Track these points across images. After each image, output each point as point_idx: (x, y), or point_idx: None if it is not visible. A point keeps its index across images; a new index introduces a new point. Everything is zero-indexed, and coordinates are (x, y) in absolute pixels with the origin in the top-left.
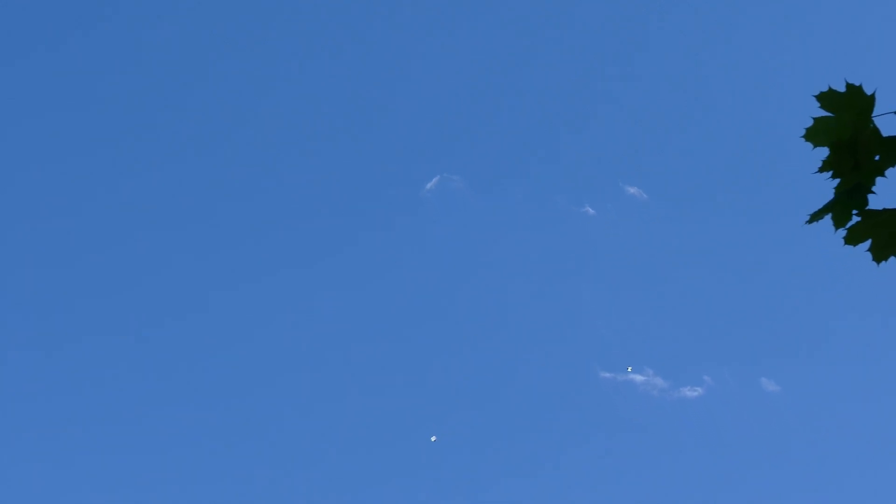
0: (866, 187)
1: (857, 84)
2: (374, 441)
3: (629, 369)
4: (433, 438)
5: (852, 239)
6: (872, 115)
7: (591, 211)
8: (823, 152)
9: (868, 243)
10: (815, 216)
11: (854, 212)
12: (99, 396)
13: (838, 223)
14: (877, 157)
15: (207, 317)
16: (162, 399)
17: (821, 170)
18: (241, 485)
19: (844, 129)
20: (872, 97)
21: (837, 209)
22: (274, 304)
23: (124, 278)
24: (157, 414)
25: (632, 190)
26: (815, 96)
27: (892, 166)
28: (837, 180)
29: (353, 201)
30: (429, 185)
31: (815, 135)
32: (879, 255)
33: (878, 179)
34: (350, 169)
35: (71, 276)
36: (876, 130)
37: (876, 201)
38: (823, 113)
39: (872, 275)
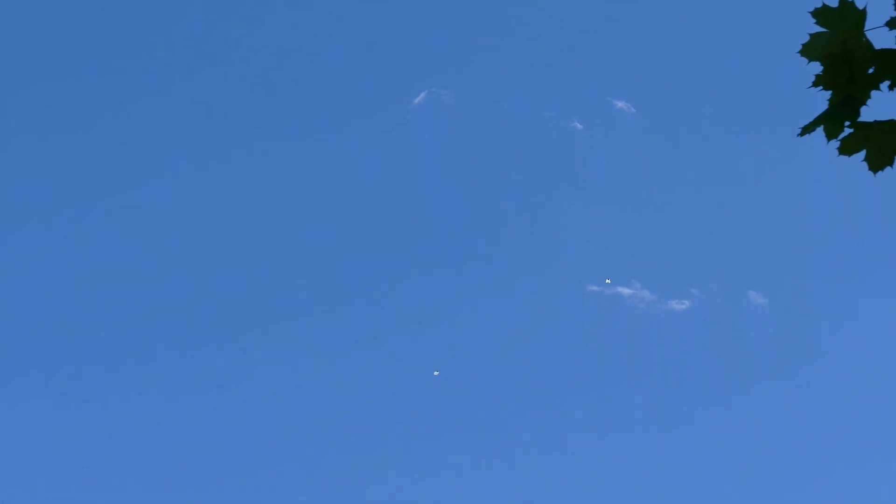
0: (860, 100)
1: None
2: (362, 358)
3: (607, 281)
4: (436, 373)
5: (846, 149)
6: (865, 28)
7: (578, 126)
8: (818, 68)
9: (862, 154)
10: (808, 128)
11: (847, 123)
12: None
13: (831, 135)
14: (870, 70)
15: (207, 229)
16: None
17: (814, 84)
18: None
19: (837, 43)
20: (864, 11)
21: (830, 121)
22: (257, 218)
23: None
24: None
25: (620, 104)
26: (810, 12)
27: (886, 79)
28: (830, 93)
29: (340, 115)
30: (416, 100)
31: (810, 50)
32: (876, 164)
33: (872, 93)
34: (336, 83)
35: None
36: (869, 44)
37: (869, 114)
38: (819, 29)
39: (863, 188)
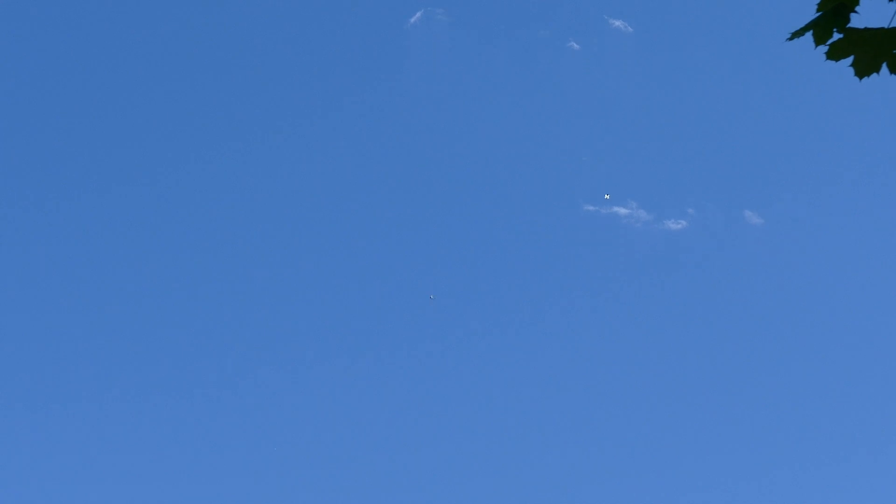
0: (849, 7)
1: None
2: (368, 293)
3: (607, 197)
4: (431, 297)
5: (834, 54)
6: None
7: (575, 46)
8: None
9: (849, 61)
10: (797, 33)
11: (835, 29)
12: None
13: (819, 40)
14: None
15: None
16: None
17: None
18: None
19: None
20: None
21: (819, 27)
22: (259, 151)
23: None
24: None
25: (617, 23)
26: None
27: None
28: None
29: (338, 35)
30: (412, 20)
31: None
32: (862, 70)
33: (862, 1)
34: (334, 3)
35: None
36: None
37: (858, 21)
38: None
39: (858, 109)
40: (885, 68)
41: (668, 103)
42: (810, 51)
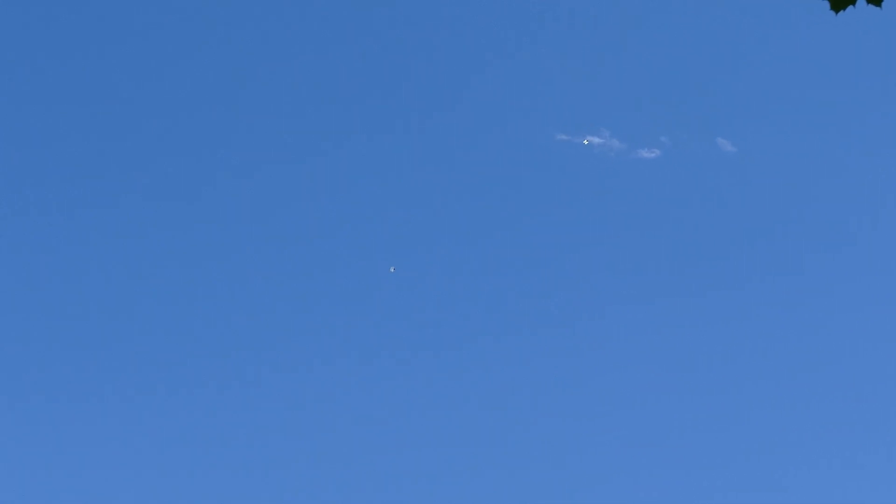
0: None
1: None
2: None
3: (585, 142)
4: (392, 269)
5: None
6: None
7: None
8: None
9: None
10: None
11: None
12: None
13: None
14: None
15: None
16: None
17: None
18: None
19: None
20: None
21: None
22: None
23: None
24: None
25: None
26: None
27: None
28: None
29: None
30: None
31: None
32: (837, 4)
33: None
34: None
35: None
36: None
37: None
38: None
39: (832, 36)
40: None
41: (638, 30)
42: None
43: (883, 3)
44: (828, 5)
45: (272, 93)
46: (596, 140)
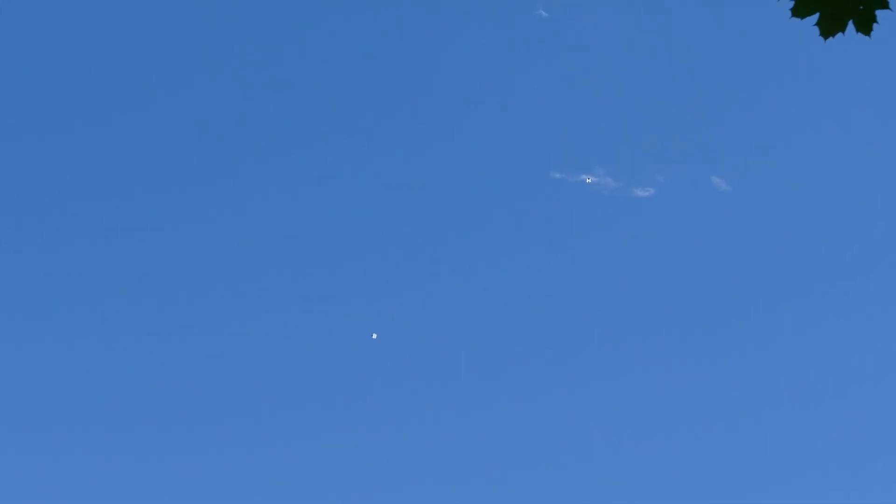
0: None
1: None
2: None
3: (588, 180)
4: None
5: (799, 11)
6: None
7: (543, 13)
8: None
9: (816, 18)
10: None
11: None
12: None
13: None
14: None
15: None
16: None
17: None
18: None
19: None
20: None
21: None
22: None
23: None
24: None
25: None
26: None
27: None
28: None
29: None
30: None
31: None
32: (827, 30)
33: None
34: None
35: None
36: None
37: None
38: None
39: (828, 70)
40: (851, 27)
41: (634, 67)
42: (776, 7)
43: (872, 34)
44: (817, 32)
45: (262, 122)
46: (590, 179)
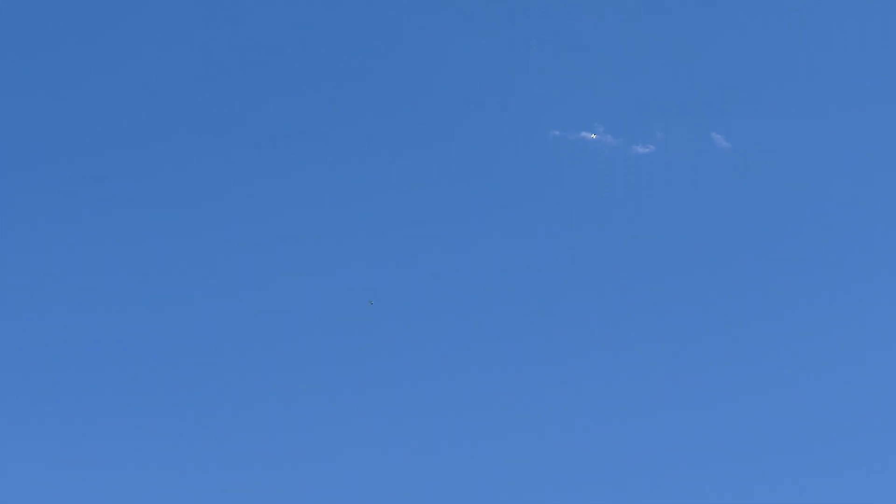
0: None
1: None
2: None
3: (592, 136)
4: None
5: None
6: None
7: None
8: None
9: None
10: None
11: None
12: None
13: None
14: None
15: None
16: None
17: None
18: None
19: None
20: None
21: None
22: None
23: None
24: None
25: None
26: None
27: None
28: None
29: None
30: None
31: None
32: None
33: None
34: None
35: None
36: None
37: None
38: None
39: (825, 24)
40: None
41: (635, 26)
42: None
43: None
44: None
45: (271, 91)
46: (590, 136)
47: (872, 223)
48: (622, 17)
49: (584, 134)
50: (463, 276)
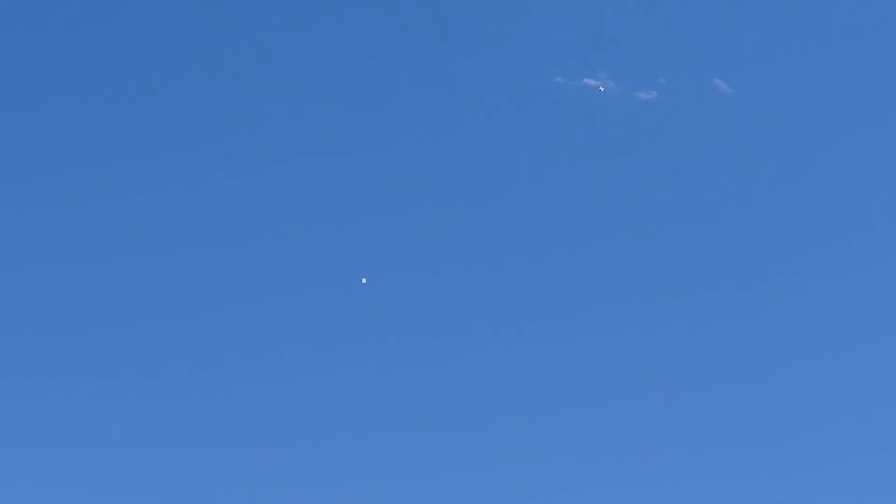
0: None
1: None
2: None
3: (601, 89)
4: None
5: None
6: None
7: None
8: None
9: None
10: None
11: None
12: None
13: None
14: None
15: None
16: None
17: None
18: None
19: None
20: None
21: None
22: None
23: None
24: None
25: None
26: None
27: None
28: None
29: None
30: None
31: None
32: None
33: None
34: None
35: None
36: None
37: None
38: None
39: None
40: None
41: None
42: None
43: None
44: None
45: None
46: (592, 82)
47: (876, 170)
48: None
49: (586, 80)
50: (464, 219)
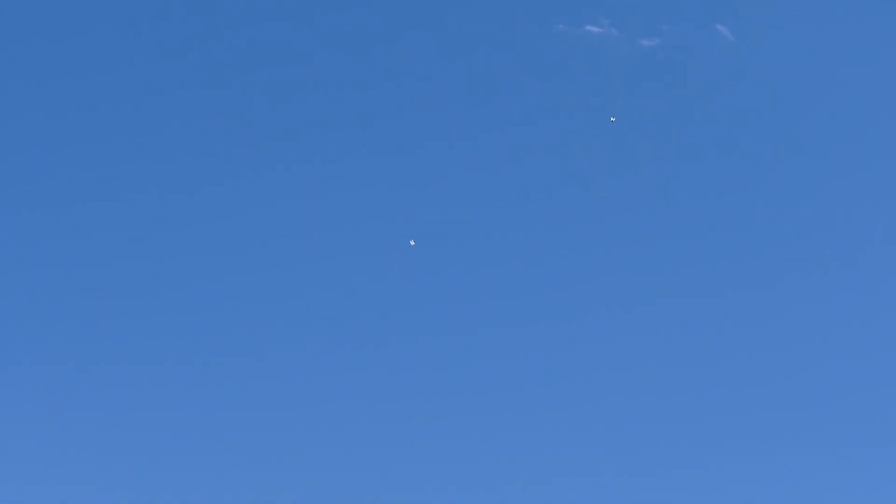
0: None
1: None
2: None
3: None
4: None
5: None
6: None
7: None
8: None
9: None
10: None
11: None
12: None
13: None
14: None
15: None
16: None
17: None
18: None
19: None
20: None
21: None
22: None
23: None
24: None
25: None
26: None
27: None
28: None
29: None
30: None
31: None
32: None
33: None
34: None
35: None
36: None
37: None
38: None
39: None
40: None
41: None
42: None
43: None
44: None
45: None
46: (595, 29)
47: (878, 113)
48: None
49: (588, 27)
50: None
